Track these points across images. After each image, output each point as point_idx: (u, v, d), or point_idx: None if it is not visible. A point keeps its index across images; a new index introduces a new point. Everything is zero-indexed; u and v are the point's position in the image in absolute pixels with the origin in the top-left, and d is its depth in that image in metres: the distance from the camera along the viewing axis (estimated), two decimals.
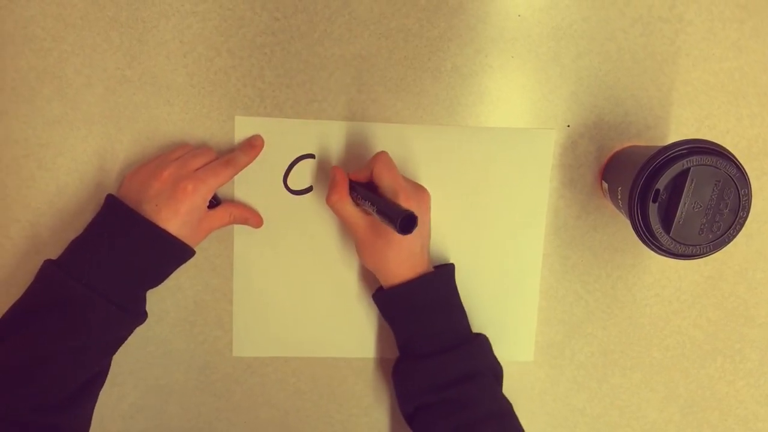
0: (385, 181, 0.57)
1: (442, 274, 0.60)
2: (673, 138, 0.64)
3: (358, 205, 0.58)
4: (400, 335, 0.61)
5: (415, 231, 0.51)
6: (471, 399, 0.58)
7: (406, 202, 0.55)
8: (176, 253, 0.56)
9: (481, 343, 0.61)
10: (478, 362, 0.60)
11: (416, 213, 0.52)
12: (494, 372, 0.61)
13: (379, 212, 0.53)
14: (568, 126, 0.64)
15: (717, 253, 0.54)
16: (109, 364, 0.58)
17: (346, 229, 0.60)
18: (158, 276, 0.57)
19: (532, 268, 0.66)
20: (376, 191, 0.57)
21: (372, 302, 0.63)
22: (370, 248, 0.59)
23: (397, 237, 0.56)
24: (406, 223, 0.50)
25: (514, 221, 0.65)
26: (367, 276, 0.65)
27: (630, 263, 0.66)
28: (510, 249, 0.65)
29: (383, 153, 0.58)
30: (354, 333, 0.66)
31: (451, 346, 0.58)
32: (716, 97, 0.64)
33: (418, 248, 0.59)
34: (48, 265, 0.55)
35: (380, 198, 0.55)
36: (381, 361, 0.67)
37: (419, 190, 0.60)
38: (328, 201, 0.58)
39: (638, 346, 0.68)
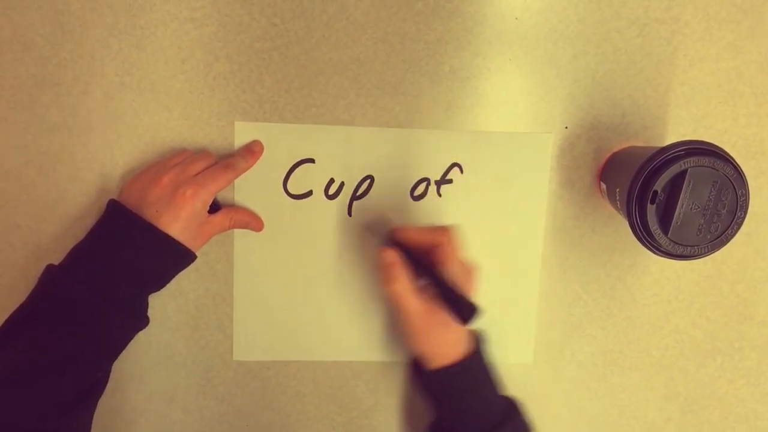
0: (452, 266, 0.55)
1: (484, 348, 0.61)
2: (670, 138, 0.64)
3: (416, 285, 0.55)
4: (443, 414, 0.60)
5: None
6: None
7: (470, 285, 0.56)
8: (178, 257, 0.57)
9: (520, 415, 0.61)
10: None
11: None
12: None
13: (444, 296, 0.53)
14: (566, 127, 0.64)
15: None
16: (110, 371, 0.58)
17: (396, 314, 0.57)
18: (160, 280, 0.58)
19: (530, 269, 0.66)
20: (430, 264, 0.55)
21: (363, 309, 0.63)
22: (425, 334, 0.56)
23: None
24: (471, 315, 0.51)
25: (513, 223, 0.65)
26: (367, 279, 0.65)
27: (629, 263, 0.67)
28: (509, 250, 0.66)
29: (453, 230, 0.56)
30: (354, 336, 0.66)
31: (496, 425, 0.58)
32: (713, 97, 0.64)
33: (467, 331, 0.59)
34: (50, 269, 0.55)
35: (444, 283, 0.53)
36: (382, 364, 0.67)
37: (472, 269, 0.58)
38: (388, 290, 0.55)
39: (637, 345, 0.68)
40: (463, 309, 0.50)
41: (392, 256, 0.55)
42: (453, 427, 0.60)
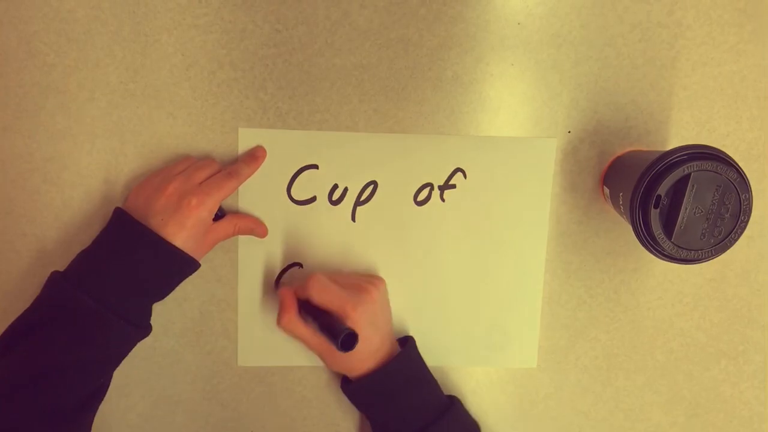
0: (326, 303, 0.57)
1: (405, 353, 0.62)
2: (673, 142, 0.64)
3: (306, 322, 0.58)
4: (376, 421, 0.62)
5: (370, 330, 0.55)
6: None
7: (353, 312, 0.57)
8: (182, 266, 0.57)
9: (456, 409, 0.63)
10: (456, 430, 0.62)
11: (364, 316, 0.56)
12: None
13: (322, 329, 0.55)
14: (569, 132, 0.64)
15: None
16: (111, 378, 0.58)
17: (303, 346, 0.61)
18: (164, 289, 0.58)
19: (534, 273, 0.66)
20: (309, 305, 0.58)
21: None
22: (331, 358, 0.60)
23: None
24: (346, 341, 0.53)
25: (517, 227, 0.65)
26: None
27: (632, 267, 0.67)
28: (512, 255, 0.66)
29: (313, 277, 0.58)
30: None
31: (429, 422, 0.60)
32: (716, 101, 0.64)
33: (377, 344, 0.60)
34: (55, 276, 0.55)
35: (323, 316, 0.57)
36: None
37: (367, 289, 0.60)
38: (279, 324, 0.58)
39: (642, 349, 0.68)
40: (337, 337, 0.53)
41: (286, 293, 0.59)
42: (385, 429, 0.62)
